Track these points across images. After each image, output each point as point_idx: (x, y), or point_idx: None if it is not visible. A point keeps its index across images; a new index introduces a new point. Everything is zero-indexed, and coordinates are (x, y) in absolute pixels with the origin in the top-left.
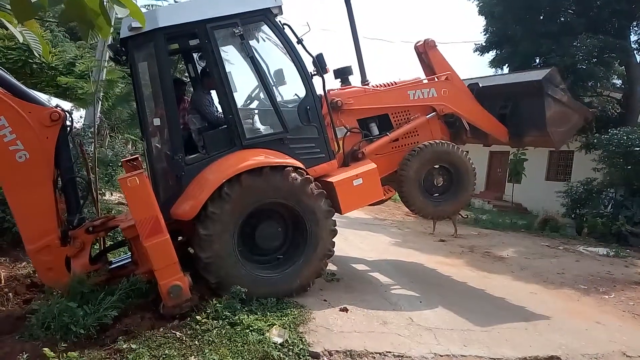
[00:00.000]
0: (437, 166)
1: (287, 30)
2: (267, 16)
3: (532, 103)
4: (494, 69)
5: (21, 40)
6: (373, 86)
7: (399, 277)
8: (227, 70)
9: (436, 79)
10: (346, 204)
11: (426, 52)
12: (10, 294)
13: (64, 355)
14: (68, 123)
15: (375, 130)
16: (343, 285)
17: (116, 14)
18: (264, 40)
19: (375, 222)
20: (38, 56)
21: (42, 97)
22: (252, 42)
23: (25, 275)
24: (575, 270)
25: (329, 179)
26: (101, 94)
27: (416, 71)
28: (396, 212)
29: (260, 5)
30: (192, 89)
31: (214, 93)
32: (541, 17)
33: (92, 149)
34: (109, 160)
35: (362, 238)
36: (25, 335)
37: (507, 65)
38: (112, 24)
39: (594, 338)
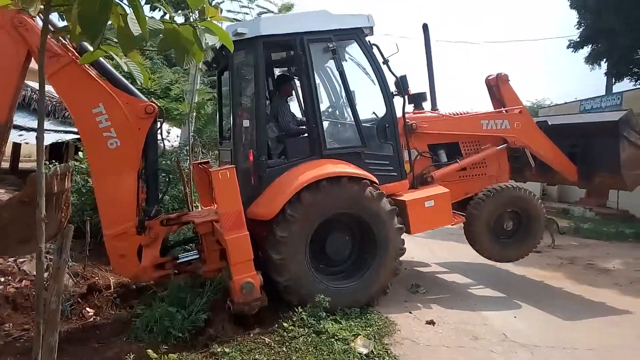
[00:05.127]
0: (509, 210)
1: (375, 50)
2: (358, 35)
3: (606, 144)
4: (589, 66)
5: (125, 70)
6: (443, 114)
7: (490, 289)
8: (317, 82)
9: (505, 112)
10: (416, 224)
11: (498, 86)
12: (118, 299)
13: (165, 357)
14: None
15: (443, 157)
16: (429, 297)
17: (206, 41)
18: (346, 60)
19: (461, 231)
20: (140, 83)
21: None
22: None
23: (131, 282)
24: None
25: (401, 198)
26: (194, 114)
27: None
28: None
29: (354, 24)
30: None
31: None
32: None
33: (187, 165)
34: None
35: (448, 250)
36: (131, 337)
37: (605, 60)
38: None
39: None
